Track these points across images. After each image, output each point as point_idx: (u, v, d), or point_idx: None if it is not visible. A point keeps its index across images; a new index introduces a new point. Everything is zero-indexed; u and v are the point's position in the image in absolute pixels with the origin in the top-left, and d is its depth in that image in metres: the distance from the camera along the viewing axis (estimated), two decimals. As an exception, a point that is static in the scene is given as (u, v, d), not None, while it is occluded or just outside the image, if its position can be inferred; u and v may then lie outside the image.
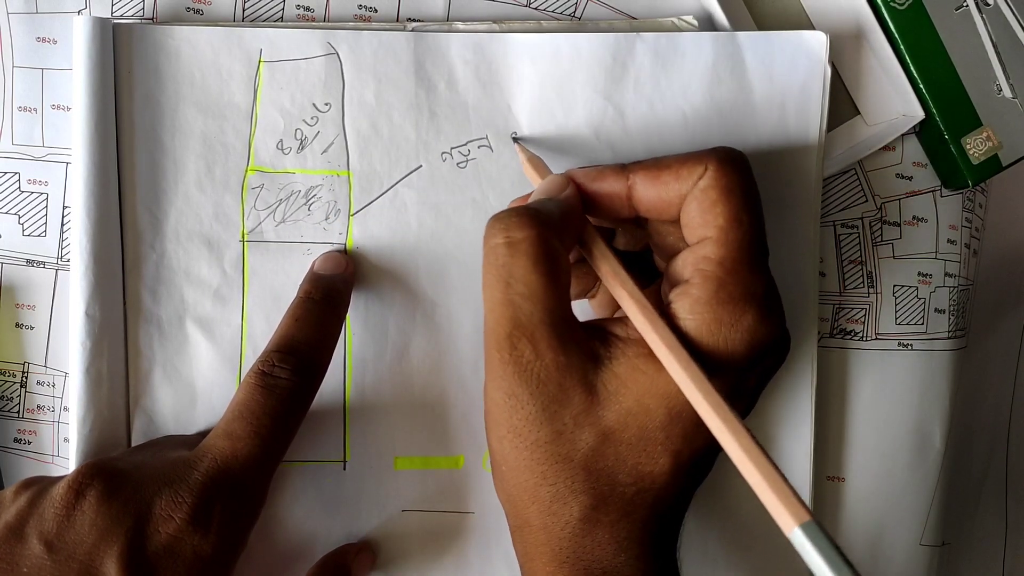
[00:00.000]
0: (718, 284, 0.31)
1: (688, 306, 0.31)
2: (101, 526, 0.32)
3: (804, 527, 0.26)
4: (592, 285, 0.38)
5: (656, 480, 0.31)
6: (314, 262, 0.40)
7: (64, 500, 0.32)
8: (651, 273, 0.37)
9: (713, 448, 0.31)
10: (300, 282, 0.39)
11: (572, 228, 0.33)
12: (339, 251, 0.40)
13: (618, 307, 0.38)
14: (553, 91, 0.40)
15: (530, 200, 0.34)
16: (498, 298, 0.31)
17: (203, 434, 0.39)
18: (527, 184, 0.40)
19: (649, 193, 0.33)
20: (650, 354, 0.31)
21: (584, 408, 0.31)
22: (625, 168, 0.33)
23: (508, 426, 0.32)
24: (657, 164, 0.33)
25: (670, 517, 0.33)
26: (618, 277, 0.32)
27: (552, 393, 0.31)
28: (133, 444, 0.40)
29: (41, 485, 0.34)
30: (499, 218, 0.32)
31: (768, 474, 0.27)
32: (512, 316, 0.31)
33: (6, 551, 0.32)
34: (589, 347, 0.32)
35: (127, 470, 0.34)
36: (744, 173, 0.32)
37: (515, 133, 0.40)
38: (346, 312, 0.39)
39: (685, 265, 0.32)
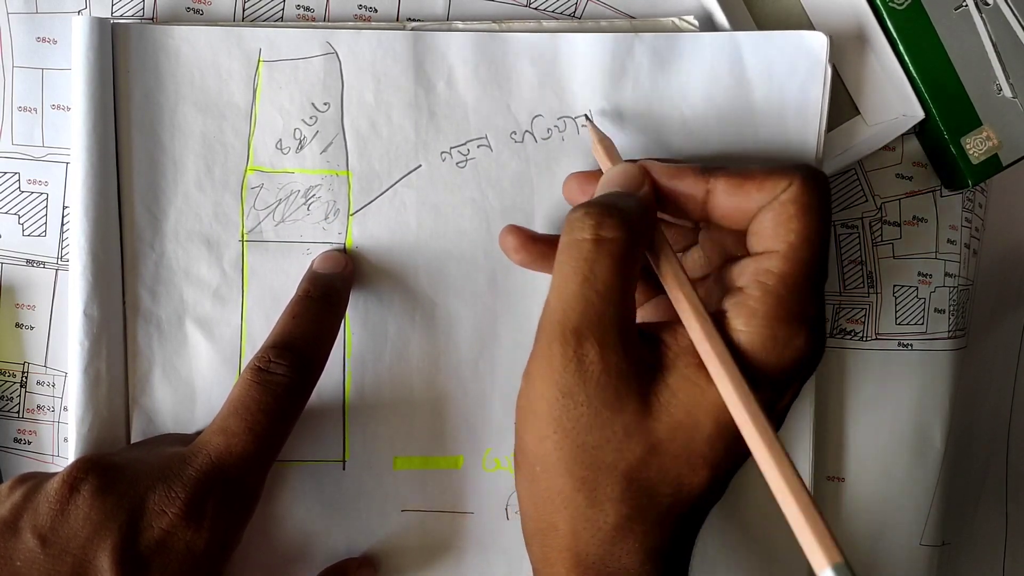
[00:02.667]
0: (778, 300, 0.30)
1: (745, 318, 0.30)
2: (95, 520, 0.32)
3: (836, 568, 0.26)
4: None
5: (693, 491, 0.31)
6: (313, 261, 0.40)
7: (58, 494, 0.33)
8: None
9: (751, 464, 0.30)
10: (299, 281, 0.39)
11: (649, 229, 0.32)
12: (339, 250, 0.40)
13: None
14: (552, 91, 0.40)
15: (600, 187, 0.34)
16: (573, 291, 0.30)
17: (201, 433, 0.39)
18: (527, 184, 0.40)
19: (729, 201, 0.32)
20: (702, 365, 0.30)
21: (636, 418, 0.30)
22: (705, 171, 0.33)
23: (556, 424, 0.31)
24: (741, 173, 0.32)
25: (695, 526, 0.32)
26: (678, 282, 0.32)
27: (608, 399, 0.30)
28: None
29: (36, 480, 0.34)
30: (589, 213, 0.31)
31: (807, 509, 0.27)
32: (584, 311, 0.30)
33: (0, 544, 0.32)
34: (647, 356, 0.31)
35: (122, 465, 0.34)
36: (825, 195, 0.32)
37: (588, 112, 0.40)
38: (344, 311, 0.39)
39: (743, 273, 0.31)
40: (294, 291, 0.38)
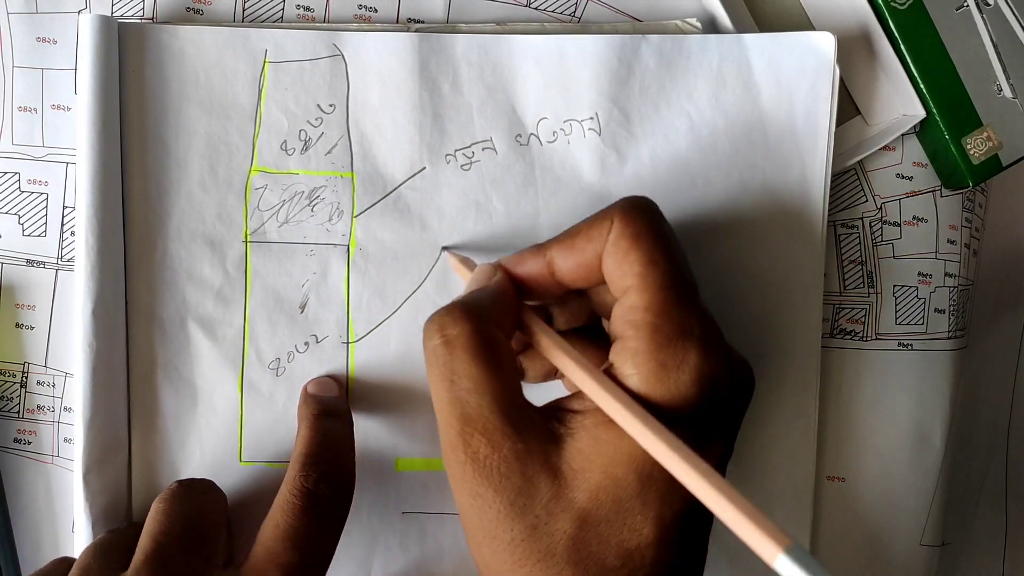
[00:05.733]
0: (651, 329, 0.29)
1: (629, 361, 0.30)
2: None
3: (789, 551, 0.24)
4: (552, 367, 0.37)
5: (645, 554, 0.29)
6: (307, 385, 0.40)
7: None
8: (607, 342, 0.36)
9: (698, 506, 0.28)
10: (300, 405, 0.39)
11: (508, 313, 0.33)
12: (328, 376, 0.40)
13: None
14: (558, 93, 0.40)
15: (463, 293, 0.34)
16: (445, 397, 0.30)
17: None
18: (531, 187, 0.40)
19: (568, 263, 0.32)
20: (609, 421, 0.29)
21: (553, 494, 0.29)
22: (541, 247, 0.33)
23: (480, 529, 0.30)
24: (568, 233, 0.33)
25: None
26: (559, 347, 0.32)
27: (517, 485, 0.29)
28: (133, 445, 0.39)
29: None
30: (432, 319, 0.31)
31: (743, 506, 0.26)
32: (461, 413, 0.30)
33: None
34: (547, 429, 0.30)
35: None
36: (650, 216, 0.32)
37: (444, 245, 0.40)
38: (353, 429, 0.39)
39: (616, 321, 0.31)
40: (297, 293, 0.39)
